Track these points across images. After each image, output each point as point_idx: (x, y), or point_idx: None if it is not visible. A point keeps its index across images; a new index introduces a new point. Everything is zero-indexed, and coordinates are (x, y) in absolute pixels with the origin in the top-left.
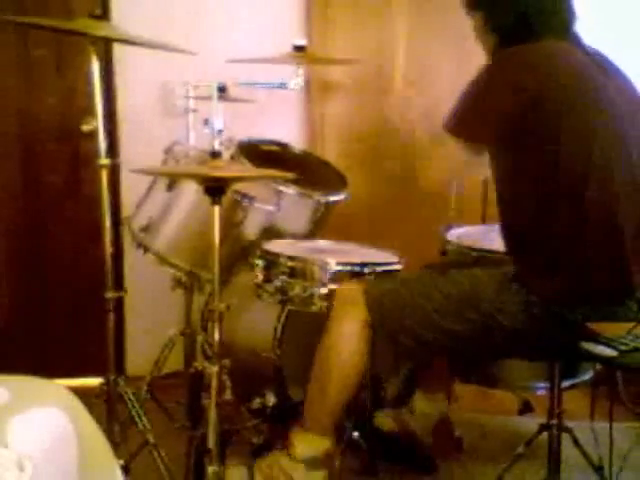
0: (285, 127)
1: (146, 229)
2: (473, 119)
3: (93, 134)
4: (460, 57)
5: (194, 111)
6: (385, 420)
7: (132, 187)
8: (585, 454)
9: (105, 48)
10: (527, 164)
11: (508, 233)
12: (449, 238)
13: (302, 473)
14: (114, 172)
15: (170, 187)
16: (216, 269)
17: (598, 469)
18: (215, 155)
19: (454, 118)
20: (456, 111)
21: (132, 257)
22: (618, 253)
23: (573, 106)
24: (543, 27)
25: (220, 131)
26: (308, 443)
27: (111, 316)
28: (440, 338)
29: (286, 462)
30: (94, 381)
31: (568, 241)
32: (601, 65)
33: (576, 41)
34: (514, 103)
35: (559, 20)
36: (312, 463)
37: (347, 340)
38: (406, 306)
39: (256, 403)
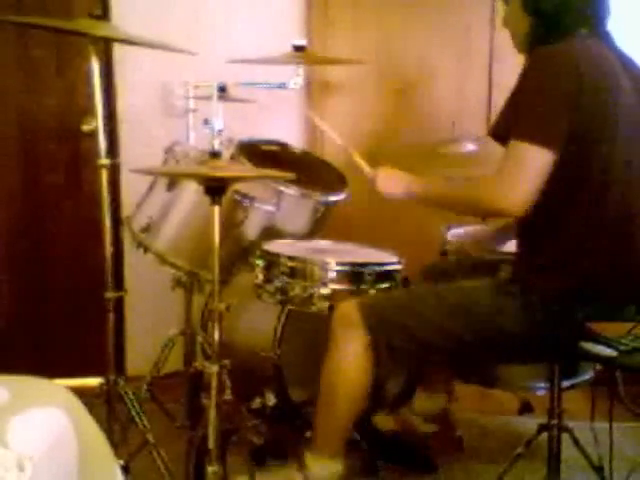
0: (285, 127)
1: (146, 229)
2: (545, 121)
3: (93, 134)
4: (460, 57)
5: (194, 111)
6: (385, 420)
7: (132, 187)
8: (585, 454)
9: (105, 48)
10: (555, 163)
11: (522, 228)
12: (449, 238)
13: None
14: (114, 172)
15: (170, 187)
16: (216, 269)
17: (598, 469)
18: (215, 155)
19: (524, 126)
20: (521, 119)
21: (132, 257)
22: (629, 256)
23: (602, 114)
24: (581, 17)
25: (220, 131)
26: (322, 467)
27: (111, 316)
28: (440, 350)
29: None
30: (94, 381)
31: (581, 241)
32: (627, 68)
33: (607, 39)
34: (558, 105)
35: (597, 11)
36: None
37: (351, 362)
38: (402, 324)
39: (256, 403)
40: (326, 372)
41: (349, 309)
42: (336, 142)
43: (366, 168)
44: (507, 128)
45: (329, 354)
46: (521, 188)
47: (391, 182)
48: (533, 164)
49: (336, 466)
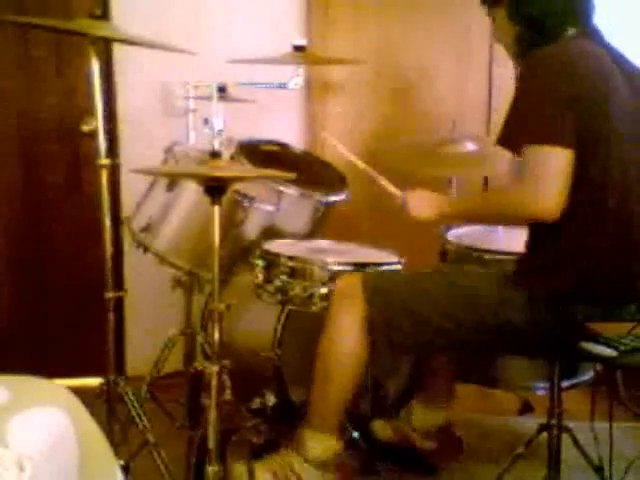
0: (285, 127)
1: (146, 229)
2: (549, 124)
3: (93, 134)
4: (460, 57)
5: (194, 111)
6: (384, 429)
7: (132, 187)
8: (585, 454)
9: (105, 48)
10: None
11: (529, 226)
12: (449, 238)
13: (313, 474)
14: (114, 172)
15: (170, 187)
16: (216, 269)
17: (598, 469)
18: (215, 155)
19: (531, 130)
20: (528, 124)
21: (132, 257)
22: (629, 256)
23: (598, 114)
24: (567, 17)
25: (220, 131)
26: (317, 442)
27: (111, 316)
28: (438, 333)
29: (297, 463)
30: (94, 381)
31: (581, 241)
32: (620, 65)
33: (598, 37)
34: (561, 104)
35: (582, 9)
36: (323, 465)
37: (347, 334)
38: (404, 300)
39: (256, 403)
40: (321, 345)
41: (351, 281)
42: (359, 167)
43: (395, 191)
44: (516, 134)
45: (325, 327)
46: (550, 191)
47: (423, 204)
48: (556, 165)
49: (330, 441)
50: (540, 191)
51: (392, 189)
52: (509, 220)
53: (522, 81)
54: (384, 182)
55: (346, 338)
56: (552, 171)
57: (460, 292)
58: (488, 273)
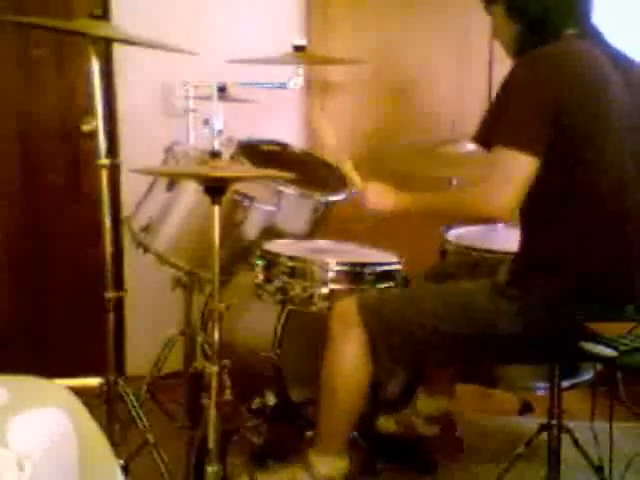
0: (285, 127)
1: (146, 229)
2: (522, 126)
3: (93, 134)
4: (460, 57)
5: (194, 111)
6: (387, 422)
7: (132, 187)
8: (585, 454)
9: (105, 48)
10: (549, 163)
11: (524, 228)
12: (449, 238)
13: None
14: (114, 172)
15: (170, 187)
16: (216, 269)
17: (598, 469)
18: (215, 155)
19: (500, 130)
20: (496, 123)
21: (132, 257)
22: (626, 258)
23: (591, 115)
24: (566, 17)
25: (220, 131)
26: (325, 464)
27: (111, 316)
28: (439, 350)
29: (302, 479)
30: (94, 381)
31: (579, 241)
32: (617, 63)
33: (596, 37)
34: (542, 110)
35: (581, 9)
36: None
37: (349, 360)
38: (401, 321)
39: (256, 403)
40: (325, 372)
41: (347, 308)
42: (331, 146)
43: (357, 180)
44: (490, 133)
45: (328, 354)
46: (506, 195)
47: (381, 197)
48: (518, 171)
49: (340, 463)
50: (495, 193)
51: (356, 178)
52: (466, 216)
53: (509, 79)
54: (350, 169)
55: (348, 364)
56: (511, 176)
57: (452, 309)
58: (479, 286)
